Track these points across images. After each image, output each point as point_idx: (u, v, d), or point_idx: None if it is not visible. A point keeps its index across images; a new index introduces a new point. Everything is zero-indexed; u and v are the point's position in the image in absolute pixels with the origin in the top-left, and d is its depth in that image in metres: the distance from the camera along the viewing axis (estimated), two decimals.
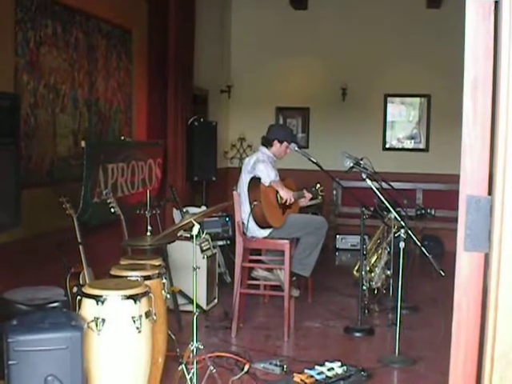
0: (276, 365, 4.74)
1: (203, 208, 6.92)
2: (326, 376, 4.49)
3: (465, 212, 1.54)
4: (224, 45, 10.45)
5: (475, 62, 1.53)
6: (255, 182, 5.58)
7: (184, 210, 6.65)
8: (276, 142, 5.88)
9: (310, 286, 6.78)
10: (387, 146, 10.51)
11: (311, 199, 6.14)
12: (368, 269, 6.58)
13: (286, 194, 5.68)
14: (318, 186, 6.15)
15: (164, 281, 4.19)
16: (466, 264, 1.56)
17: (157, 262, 4.38)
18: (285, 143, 5.88)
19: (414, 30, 10.02)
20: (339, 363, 4.68)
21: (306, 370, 4.57)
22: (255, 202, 5.48)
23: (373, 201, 6.12)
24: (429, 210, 6.92)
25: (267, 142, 5.92)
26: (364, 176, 5.29)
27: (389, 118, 10.50)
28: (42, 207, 5.11)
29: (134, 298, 3.55)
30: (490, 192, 1.53)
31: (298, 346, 5.49)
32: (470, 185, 1.54)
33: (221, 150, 9.78)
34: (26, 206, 4.39)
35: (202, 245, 6.29)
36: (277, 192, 5.70)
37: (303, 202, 6.06)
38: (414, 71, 10.13)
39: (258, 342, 5.47)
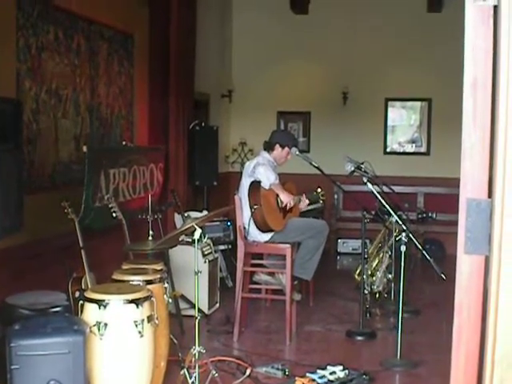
0: (278, 369, 4.74)
1: (204, 212, 6.92)
2: (328, 380, 4.49)
3: (465, 215, 1.55)
4: (225, 49, 10.46)
5: (475, 64, 1.54)
6: (256, 185, 5.58)
7: (185, 215, 6.65)
8: (278, 146, 5.88)
9: (312, 289, 6.78)
10: (388, 149, 10.51)
11: (312, 203, 6.14)
12: (369, 273, 6.59)
13: (286, 198, 5.67)
14: (319, 190, 6.14)
15: (166, 285, 4.19)
16: (466, 267, 1.56)
17: (158, 267, 4.39)
18: (286, 149, 5.88)
19: (414, 34, 10.02)
20: (341, 367, 4.68)
21: (307, 374, 4.56)
22: (256, 206, 5.48)
23: (374, 205, 6.12)
24: (430, 214, 6.91)
25: (269, 147, 5.92)
26: (365, 180, 5.29)
27: (390, 122, 10.50)
28: (44, 212, 5.12)
29: (136, 302, 3.55)
30: (490, 195, 1.54)
31: (300, 349, 5.49)
32: (471, 188, 1.55)
33: (222, 155, 9.78)
34: (29, 210, 4.39)
35: (204, 249, 6.29)
36: (277, 195, 5.70)
37: (301, 207, 6.06)
38: (415, 75, 10.13)
39: (260, 346, 5.47)
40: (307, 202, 5.97)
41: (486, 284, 1.55)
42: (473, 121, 1.55)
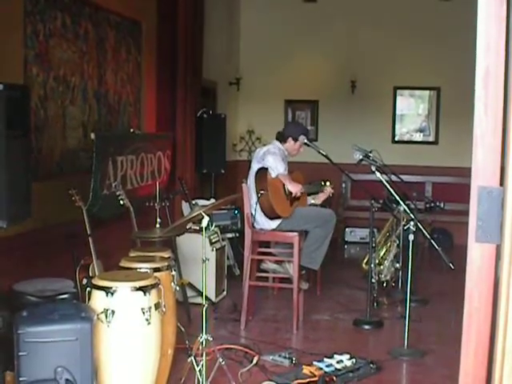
0: (285, 357, 4.75)
1: (212, 200, 6.92)
2: (335, 368, 4.49)
3: (476, 203, 1.53)
4: (233, 37, 10.43)
5: (487, 52, 1.52)
6: (263, 171, 5.56)
7: (193, 203, 6.65)
8: (290, 139, 5.85)
9: (319, 278, 6.78)
10: (396, 138, 10.49)
11: (315, 193, 6.09)
12: (377, 262, 6.57)
13: (293, 188, 5.65)
14: (328, 183, 6.11)
15: (173, 273, 4.19)
16: (477, 255, 1.55)
17: (166, 254, 4.39)
18: (299, 142, 5.85)
19: (424, 23, 9.96)
20: (348, 356, 4.68)
21: (314, 363, 4.57)
22: (262, 191, 5.45)
23: (382, 193, 6.10)
24: (438, 203, 6.88)
25: (281, 138, 5.89)
26: (373, 169, 5.27)
27: (398, 111, 10.47)
28: (51, 199, 5.12)
29: (144, 289, 3.55)
30: (502, 183, 1.53)
31: (307, 338, 5.49)
32: (482, 176, 1.53)
33: (229, 143, 9.77)
34: (36, 198, 4.39)
35: (211, 237, 6.29)
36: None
37: (322, 197, 6.00)
38: (424, 64, 10.08)
39: (267, 335, 5.47)
40: (332, 191, 5.96)
41: (497, 272, 1.54)
42: (484, 108, 1.53)
